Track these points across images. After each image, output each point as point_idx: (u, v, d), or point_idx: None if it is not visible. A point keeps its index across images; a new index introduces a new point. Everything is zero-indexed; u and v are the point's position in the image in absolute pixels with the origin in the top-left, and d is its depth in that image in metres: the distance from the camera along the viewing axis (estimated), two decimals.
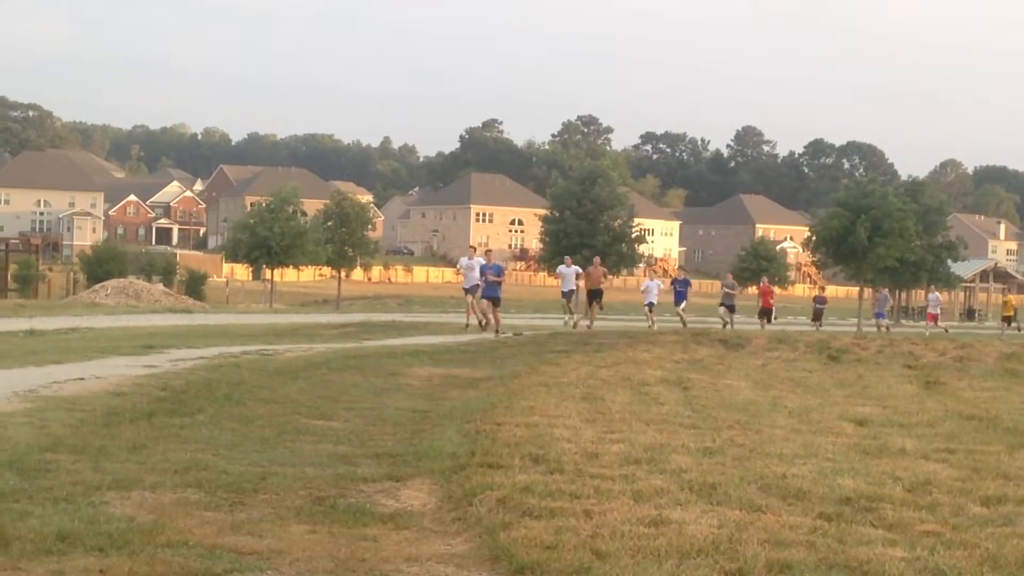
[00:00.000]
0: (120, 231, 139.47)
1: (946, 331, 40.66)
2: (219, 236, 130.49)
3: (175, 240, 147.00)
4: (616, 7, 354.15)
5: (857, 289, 67.17)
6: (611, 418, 12.60)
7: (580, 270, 32.06)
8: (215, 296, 63.54)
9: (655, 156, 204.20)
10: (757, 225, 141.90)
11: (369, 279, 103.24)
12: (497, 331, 25.92)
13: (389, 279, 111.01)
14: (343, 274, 69.96)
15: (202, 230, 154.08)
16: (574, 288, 31.04)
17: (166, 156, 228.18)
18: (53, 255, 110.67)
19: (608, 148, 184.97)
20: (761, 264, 75.55)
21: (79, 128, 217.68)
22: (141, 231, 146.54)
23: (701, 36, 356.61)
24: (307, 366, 17.36)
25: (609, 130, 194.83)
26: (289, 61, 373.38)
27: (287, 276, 70.97)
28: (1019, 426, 13.78)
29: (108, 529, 6.80)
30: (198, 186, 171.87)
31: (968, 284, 79.89)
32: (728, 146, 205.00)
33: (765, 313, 37.31)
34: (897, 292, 68.83)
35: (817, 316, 42.91)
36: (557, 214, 67.81)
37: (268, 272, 62.45)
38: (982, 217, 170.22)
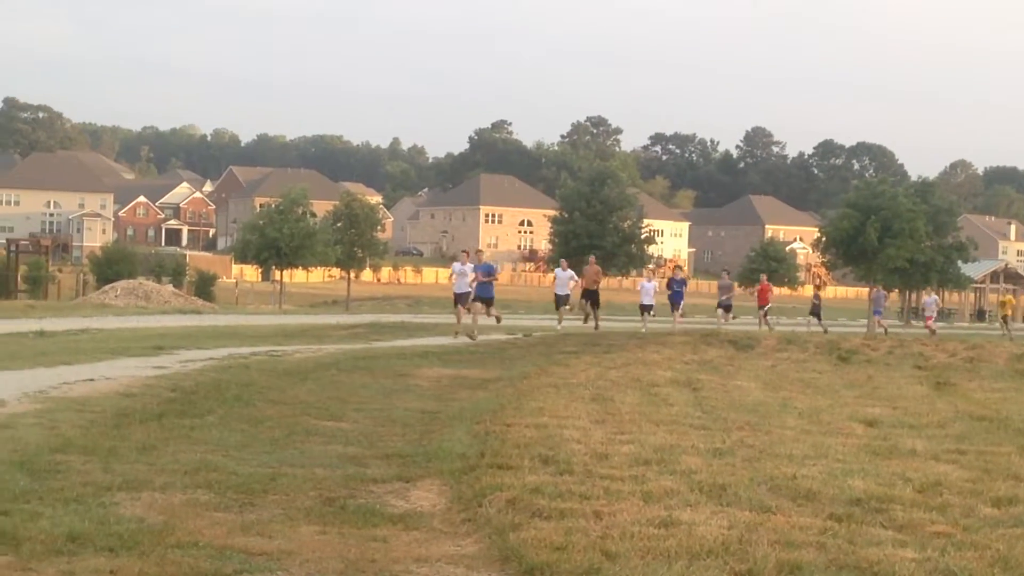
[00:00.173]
0: (130, 232, 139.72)
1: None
2: (228, 237, 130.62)
3: (184, 241, 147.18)
4: (616, 7, 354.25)
5: (867, 290, 67.05)
6: (621, 419, 12.58)
7: (575, 276, 30.64)
8: (224, 297, 63.57)
9: (664, 157, 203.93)
10: (767, 226, 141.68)
11: (378, 280, 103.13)
12: (473, 336, 24.81)
13: (398, 280, 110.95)
14: (352, 275, 69.96)
15: (212, 231, 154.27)
16: (568, 293, 30.24)
17: (176, 157, 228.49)
18: (63, 256, 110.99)
19: (617, 149, 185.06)
20: (771, 265, 75.04)
21: (89, 129, 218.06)
22: (151, 232, 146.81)
23: (701, 36, 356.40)
24: (316, 367, 17.40)
25: (618, 131, 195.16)
26: (289, 61, 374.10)
27: (296, 277, 71.04)
28: None
29: (118, 530, 6.82)
30: (208, 187, 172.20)
31: (978, 285, 79.66)
32: (737, 147, 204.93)
33: (761, 309, 37.97)
34: (907, 293, 68.64)
35: (813, 312, 43.14)
36: (566, 215, 67.85)
37: (277, 273, 62.48)
38: (992, 218, 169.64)
